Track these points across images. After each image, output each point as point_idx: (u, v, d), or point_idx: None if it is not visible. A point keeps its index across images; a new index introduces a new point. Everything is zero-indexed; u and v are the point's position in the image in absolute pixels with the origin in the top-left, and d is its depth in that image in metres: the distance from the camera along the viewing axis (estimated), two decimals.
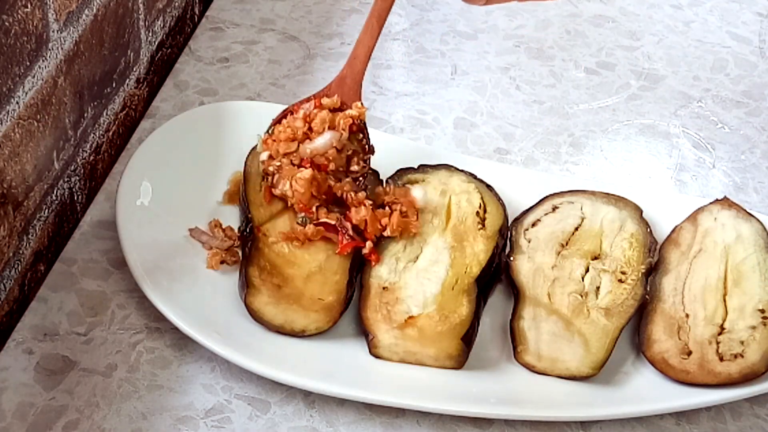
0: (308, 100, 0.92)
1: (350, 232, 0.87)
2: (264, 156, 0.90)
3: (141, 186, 0.91)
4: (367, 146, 0.91)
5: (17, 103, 0.81)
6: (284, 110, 0.92)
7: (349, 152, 0.90)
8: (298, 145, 0.89)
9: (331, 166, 0.89)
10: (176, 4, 1.15)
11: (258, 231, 0.88)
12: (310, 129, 0.89)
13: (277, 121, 0.91)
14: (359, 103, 0.91)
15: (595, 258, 0.88)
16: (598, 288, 0.86)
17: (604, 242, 0.90)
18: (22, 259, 0.86)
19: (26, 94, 0.82)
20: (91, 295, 0.86)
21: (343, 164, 0.90)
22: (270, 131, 0.91)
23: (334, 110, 0.91)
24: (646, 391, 0.81)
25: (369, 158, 0.91)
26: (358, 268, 0.87)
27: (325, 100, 0.91)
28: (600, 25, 1.24)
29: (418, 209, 0.90)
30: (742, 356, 0.81)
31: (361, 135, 0.91)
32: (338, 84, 0.92)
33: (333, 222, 0.87)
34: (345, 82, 0.91)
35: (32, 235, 0.87)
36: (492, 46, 1.19)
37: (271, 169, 0.90)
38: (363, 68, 0.91)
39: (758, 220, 0.91)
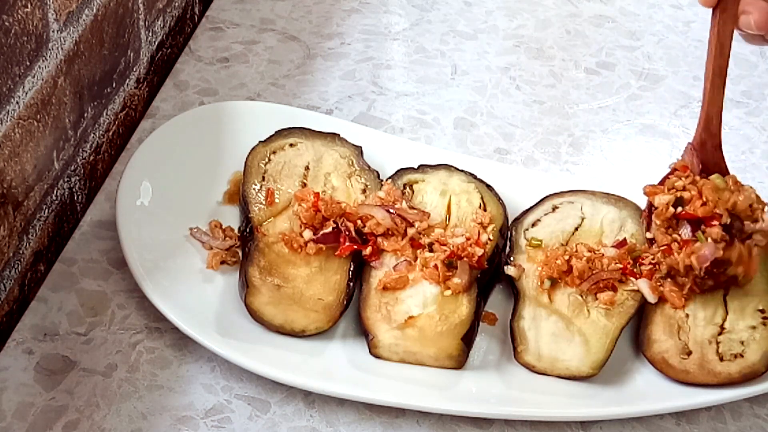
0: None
1: (353, 234, 0.87)
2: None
3: (141, 186, 0.91)
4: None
5: (17, 103, 0.81)
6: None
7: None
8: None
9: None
10: (176, 4, 1.15)
11: (258, 231, 0.88)
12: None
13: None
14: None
15: None
16: None
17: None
18: (22, 259, 0.86)
19: (26, 94, 0.82)
20: (91, 295, 0.86)
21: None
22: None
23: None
24: (646, 391, 0.80)
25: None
26: (358, 268, 0.87)
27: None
28: (600, 25, 1.24)
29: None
30: (742, 356, 0.81)
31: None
32: (700, 149, 0.85)
33: (330, 229, 0.87)
34: (705, 148, 0.85)
35: (32, 235, 0.87)
36: (492, 46, 1.19)
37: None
38: (720, 130, 0.84)
39: None
